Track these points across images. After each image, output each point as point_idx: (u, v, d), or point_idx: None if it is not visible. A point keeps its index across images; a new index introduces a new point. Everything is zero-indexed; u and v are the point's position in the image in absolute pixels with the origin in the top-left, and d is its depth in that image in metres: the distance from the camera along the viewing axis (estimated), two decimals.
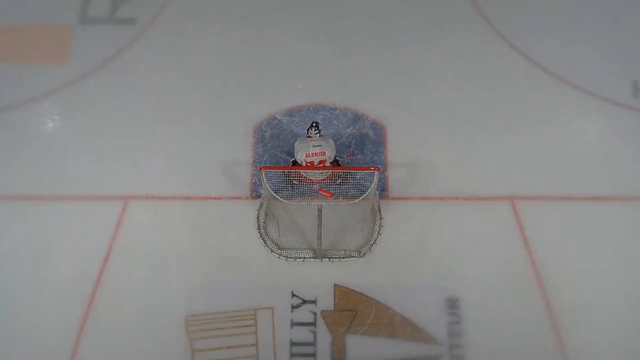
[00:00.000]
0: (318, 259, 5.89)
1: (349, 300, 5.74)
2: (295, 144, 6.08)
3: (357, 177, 6.08)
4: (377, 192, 5.97)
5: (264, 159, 6.38)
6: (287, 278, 5.83)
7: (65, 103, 6.69)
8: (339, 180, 6.07)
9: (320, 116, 6.59)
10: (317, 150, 5.93)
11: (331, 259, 5.90)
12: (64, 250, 5.91)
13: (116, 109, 6.63)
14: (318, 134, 5.93)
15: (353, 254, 5.91)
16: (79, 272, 5.81)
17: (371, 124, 6.60)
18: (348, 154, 6.39)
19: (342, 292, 5.78)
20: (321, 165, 5.98)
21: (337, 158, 6.19)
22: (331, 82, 6.77)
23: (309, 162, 5.96)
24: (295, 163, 6.13)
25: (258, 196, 6.15)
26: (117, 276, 5.81)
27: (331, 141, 6.06)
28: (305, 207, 5.95)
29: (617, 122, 6.58)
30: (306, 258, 5.90)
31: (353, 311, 5.69)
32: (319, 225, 5.93)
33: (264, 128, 6.57)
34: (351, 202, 5.84)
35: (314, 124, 5.92)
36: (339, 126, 6.56)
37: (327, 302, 5.74)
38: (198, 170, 6.32)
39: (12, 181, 6.25)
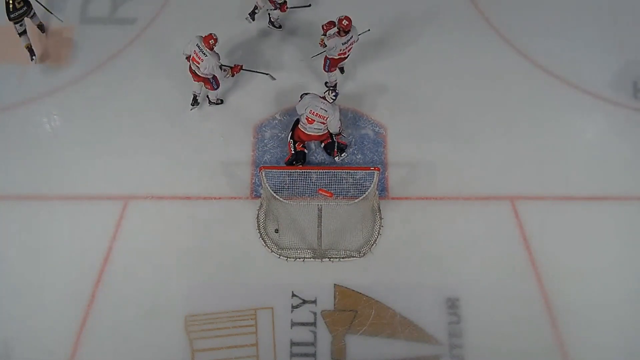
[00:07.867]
0: (318, 259, 5.89)
1: (349, 300, 5.74)
2: (306, 96, 6.02)
3: (357, 177, 6.09)
4: (377, 192, 5.97)
5: (264, 159, 6.37)
6: (287, 278, 5.83)
7: (65, 103, 6.69)
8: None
9: None
10: (322, 112, 5.89)
11: (331, 259, 5.89)
12: (64, 250, 5.91)
13: (116, 109, 6.62)
14: (333, 100, 5.89)
15: (353, 254, 5.91)
16: (79, 272, 5.81)
17: (371, 124, 6.59)
18: (342, 140, 6.36)
19: (342, 292, 5.78)
20: (318, 126, 5.96)
21: (336, 138, 6.21)
22: None
23: (307, 118, 5.94)
24: (295, 124, 6.13)
25: (258, 196, 6.15)
26: (117, 276, 5.81)
27: (338, 114, 5.97)
28: (305, 207, 5.95)
29: (617, 122, 6.58)
30: (306, 258, 5.90)
31: (353, 311, 5.69)
32: (319, 225, 5.93)
33: (264, 128, 6.57)
34: (351, 202, 5.85)
35: (336, 92, 5.92)
36: None
37: (327, 302, 5.74)
38: (198, 170, 6.32)
39: (12, 181, 6.25)
